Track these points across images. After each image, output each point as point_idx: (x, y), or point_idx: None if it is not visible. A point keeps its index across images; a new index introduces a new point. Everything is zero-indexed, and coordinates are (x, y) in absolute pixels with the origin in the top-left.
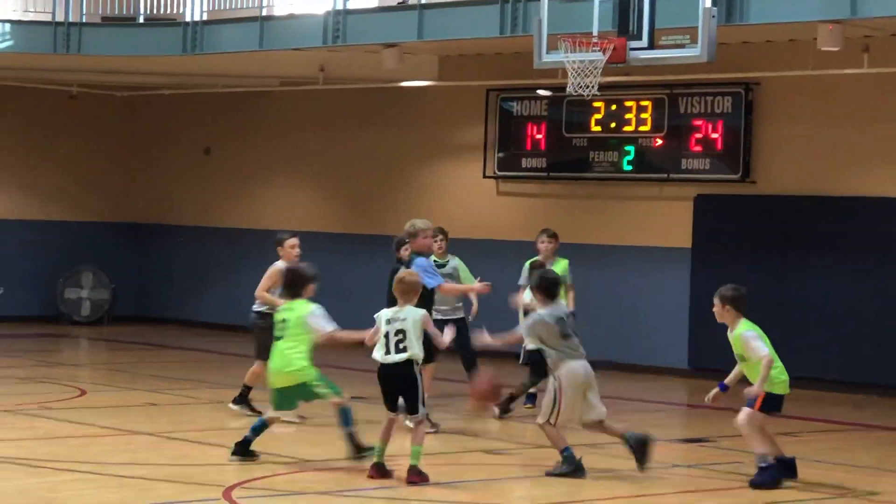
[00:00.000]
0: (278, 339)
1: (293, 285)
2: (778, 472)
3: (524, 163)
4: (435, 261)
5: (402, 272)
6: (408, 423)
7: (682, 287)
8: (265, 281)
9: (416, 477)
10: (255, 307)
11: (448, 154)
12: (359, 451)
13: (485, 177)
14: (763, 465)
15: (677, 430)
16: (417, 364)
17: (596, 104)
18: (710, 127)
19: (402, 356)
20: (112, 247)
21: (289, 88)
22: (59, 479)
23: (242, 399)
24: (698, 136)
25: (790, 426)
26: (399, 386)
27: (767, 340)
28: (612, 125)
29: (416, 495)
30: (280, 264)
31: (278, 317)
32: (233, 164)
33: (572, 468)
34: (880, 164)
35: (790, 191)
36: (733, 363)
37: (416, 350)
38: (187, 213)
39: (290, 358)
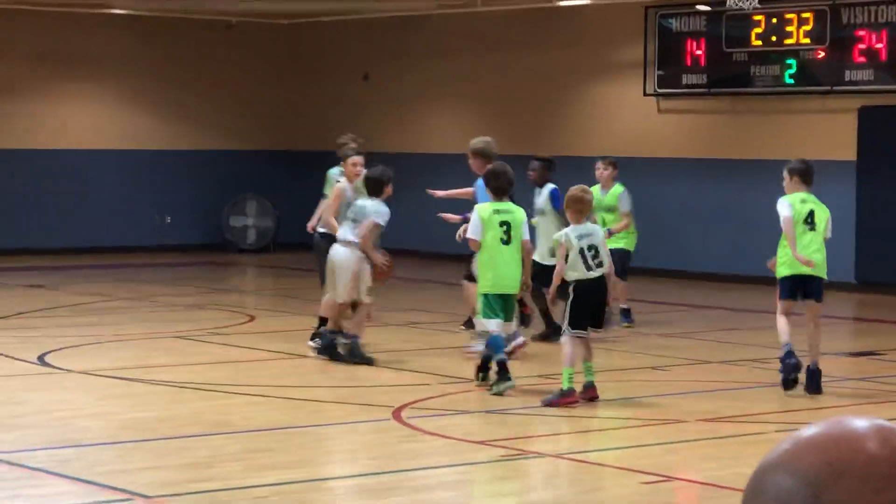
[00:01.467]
0: (505, 242)
1: (502, 187)
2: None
3: (685, 79)
4: None
5: (579, 189)
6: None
7: (848, 200)
8: (333, 202)
9: (594, 392)
10: (322, 228)
11: (608, 73)
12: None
13: (645, 94)
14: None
15: (846, 343)
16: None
17: (756, 18)
18: (873, 37)
19: (601, 271)
20: (275, 175)
21: (446, 11)
22: (231, 402)
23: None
24: (862, 46)
25: None
26: (600, 300)
27: (799, 217)
28: (773, 39)
29: (588, 413)
30: (343, 184)
31: (498, 218)
32: (392, 89)
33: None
34: None
35: None
36: None
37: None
38: None
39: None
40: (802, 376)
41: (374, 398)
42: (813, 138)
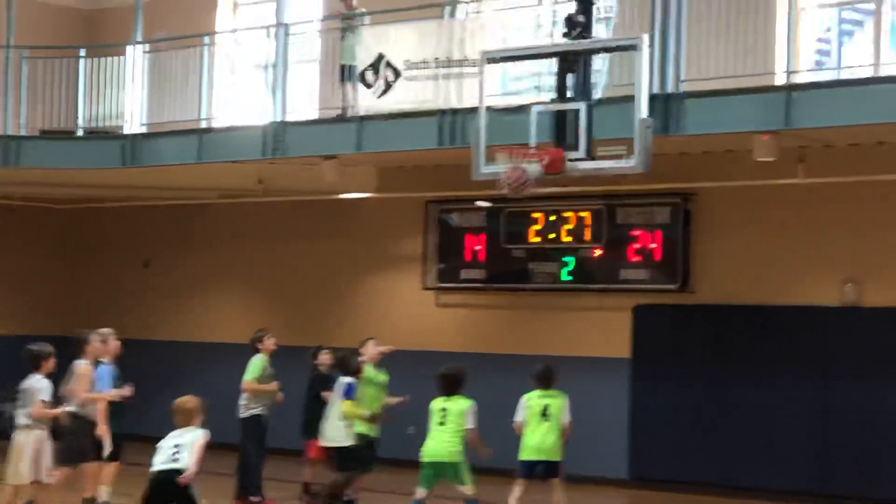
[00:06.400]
0: (441, 424)
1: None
2: None
3: (463, 274)
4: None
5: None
6: None
7: (622, 397)
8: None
9: None
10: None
11: (388, 265)
12: None
13: (424, 288)
14: None
15: None
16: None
17: (535, 215)
18: (648, 237)
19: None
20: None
21: (228, 201)
22: None
23: None
24: (637, 246)
25: None
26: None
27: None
28: (551, 236)
29: None
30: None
31: (437, 406)
32: (172, 276)
33: None
34: (818, 273)
35: (729, 300)
36: (675, 471)
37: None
38: (127, 326)
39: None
40: None
41: None
42: (589, 335)
